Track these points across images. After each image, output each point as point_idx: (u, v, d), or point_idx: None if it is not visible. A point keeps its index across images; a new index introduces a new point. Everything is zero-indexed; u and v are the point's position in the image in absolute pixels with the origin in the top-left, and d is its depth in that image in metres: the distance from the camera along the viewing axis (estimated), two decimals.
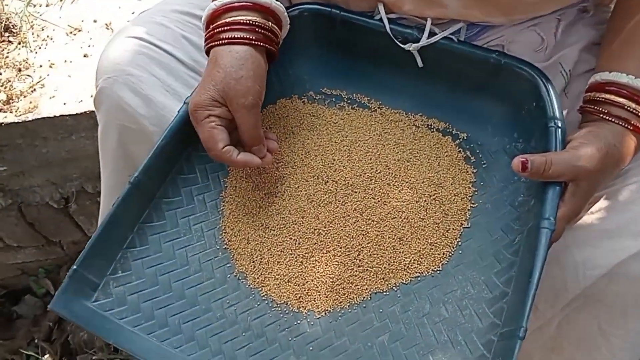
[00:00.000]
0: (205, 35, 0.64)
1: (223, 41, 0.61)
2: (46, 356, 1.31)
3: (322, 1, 0.72)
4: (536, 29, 0.70)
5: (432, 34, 0.68)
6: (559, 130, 0.60)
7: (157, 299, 0.61)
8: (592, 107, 0.62)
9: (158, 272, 0.62)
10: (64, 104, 0.95)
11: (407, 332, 0.58)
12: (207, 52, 0.63)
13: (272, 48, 0.64)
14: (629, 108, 0.60)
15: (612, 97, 0.61)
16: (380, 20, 0.69)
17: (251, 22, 0.61)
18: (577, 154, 0.57)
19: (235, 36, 0.61)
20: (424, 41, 0.68)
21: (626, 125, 0.60)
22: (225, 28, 0.61)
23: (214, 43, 0.62)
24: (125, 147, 0.74)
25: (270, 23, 0.63)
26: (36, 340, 1.31)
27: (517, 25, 0.70)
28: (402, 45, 0.69)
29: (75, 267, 0.58)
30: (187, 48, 0.72)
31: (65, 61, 1.00)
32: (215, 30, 0.62)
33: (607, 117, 0.60)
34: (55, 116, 0.94)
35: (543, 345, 0.72)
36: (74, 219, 1.20)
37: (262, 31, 0.62)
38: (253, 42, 0.61)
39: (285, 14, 0.66)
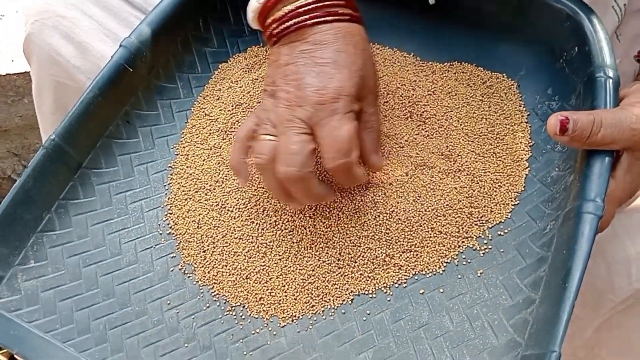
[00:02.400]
0: (278, 20, 0.45)
1: (328, 18, 0.44)
2: None
3: None
4: None
5: None
6: (610, 80, 0.44)
7: (78, 297, 0.47)
8: None
9: (82, 262, 0.49)
10: (12, 60, 0.81)
11: (396, 348, 0.44)
12: (278, 38, 0.46)
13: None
14: None
15: None
16: None
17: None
18: (636, 113, 0.41)
19: (339, 12, 0.45)
20: None
21: None
22: (318, 5, 0.44)
23: (314, 20, 0.44)
24: (62, 108, 0.62)
25: None
26: None
27: None
28: None
29: None
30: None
31: (18, 12, 0.86)
32: (303, 10, 0.44)
33: None
34: (1, 75, 0.80)
35: (572, 354, 0.58)
36: None
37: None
38: (354, 19, 0.46)
39: None
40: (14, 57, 0.82)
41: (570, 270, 0.38)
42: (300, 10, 0.44)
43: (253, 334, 0.46)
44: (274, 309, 0.46)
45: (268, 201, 0.50)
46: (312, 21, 0.44)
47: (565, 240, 0.40)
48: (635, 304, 0.51)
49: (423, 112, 0.52)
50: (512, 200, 0.48)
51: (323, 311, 0.46)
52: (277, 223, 0.49)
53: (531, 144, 0.50)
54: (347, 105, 0.42)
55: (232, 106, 0.54)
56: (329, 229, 0.48)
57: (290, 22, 0.44)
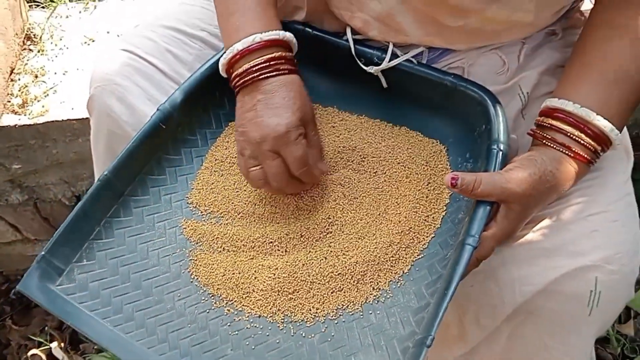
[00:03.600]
0: (242, 70, 0.66)
1: (273, 73, 0.65)
2: (54, 343, 1.39)
3: (300, 20, 0.77)
4: (498, 52, 0.72)
5: (395, 55, 0.72)
6: (500, 153, 0.62)
7: (115, 288, 0.66)
8: (539, 132, 0.64)
9: (119, 263, 0.68)
10: (72, 109, 1.03)
11: (336, 334, 0.61)
12: (243, 83, 0.66)
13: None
14: (571, 135, 0.62)
15: (557, 123, 0.63)
16: (346, 40, 0.74)
17: (282, 57, 0.66)
18: (507, 177, 0.59)
19: (280, 68, 0.66)
20: (385, 64, 0.72)
21: (567, 152, 0.61)
22: (268, 66, 0.65)
23: (264, 75, 0.65)
24: (112, 151, 0.80)
25: (290, 54, 0.69)
26: (46, 328, 1.40)
27: (479, 48, 0.72)
28: (365, 68, 0.73)
29: (43, 253, 0.64)
30: (170, 61, 0.78)
31: (78, 69, 1.09)
32: (257, 66, 0.65)
33: (549, 143, 0.63)
34: (63, 120, 1.02)
35: (495, 359, 0.73)
36: None
37: (291, 61, 0.68)
38: (289, 70, 0.67)
39: (294, 42, 0.70)
40: (74, 105, 1.04)
41: (451, 281, 0.55)
42: (253, 68, 0.65)
43: (236, 320, 0.64)
44: (250, 304, 0.64)
45: (258, 224, 0.68)
46: (263, 76, 0.65)
47: (452, 262, 0.58)
48: (528, 318, 0.66)
49: (371, 163, 0.71)
50: (429, 234, 0.66)
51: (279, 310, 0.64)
52: (261, 243, 0.67)
53: (450, 194, 0.68)
54: (295, 134, 0.63)
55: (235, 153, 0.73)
56: (298, 252, 0.66)
57: (247, 78, 0.65)
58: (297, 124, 0.64)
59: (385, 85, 0.74)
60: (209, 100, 0.75)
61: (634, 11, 0.63)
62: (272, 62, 0.66)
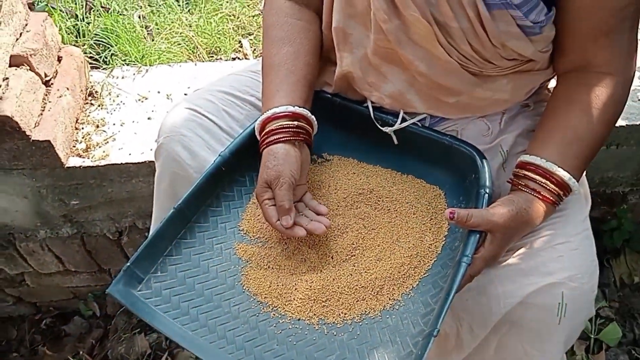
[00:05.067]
0: (260, 140, 0.88)
1: (265, 146, 0.86)
2: None
3: (329, 91, 0.98)
4: (484, 119, 0.93)
5: (404, 119, 0.93)
6: (486, 195, 0.82)
7: (183, 295, 0.83)
8: (516, 180, 0.84)
9: (186, 275, 0.85)
10: (129, 154, 1.22)
11: (360, 332, 0.78)
12: (260, 145, 0.87)
13: (306, 140, 0.88)
14: (540, 182, 0.81)
15: (529, 173, 0.82)
16: (366, 107, 0.94)
17: (288, 129, 0.86)
18: (492, 212, 0.78)
19: (272, 139, 0.85)
20: (396, 126, 0.92)
21: (537, 195, 0.81)
22: (269, 135, 0.86)
23: (263, 147, 0.86)
24: (173, 189, 0.98)
25: (302, 123, 0.87)
26: (80, 353, 1.54)
27: (469, 117, 0.93)
28: (382, 128, 0.93)
29: (128, 264, 0.81)
30: (226, 119, 0.98)
31: (133, 122, 1.29)
32: (264, 137, 0.86)
33: (523, 188, 0.82)
34: (121, 163, 1.21)
35: None
36: (124, 250, 1.45)
37: (299, 133, 0.87)
38: (286, 140, 0.85)
39: (313, 117, 0.89)
40: (131, 151, 1.23)
41: (450, 291, 0.73)
42: (265, 131, 0.86)
43: (280, 322, 0.81)
44: (290, 310, 0.81)
45: (295, 250, 0.87)
46: (266, 144, 0.86)
47: (451, 276, 0.76)
48: (512, 328, 0.84)
49: (385, 202, 0.90)
50: (432, 258, 0.84)
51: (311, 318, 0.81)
52: (299, 263, 0.85)
53: (448, 227, 0.87)
54: (261, 199, 0.83)
55: None
56: (328, 273, 0.84)
57: (261, 142, 0.87)
58: (261, 191, 0.84)
59: (396, 142, 0.94)
60: (255, 150, 0.94)
61: (586, 90, 0.84)
62: (287, 128, 0.86)
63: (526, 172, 0.83)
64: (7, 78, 1.13)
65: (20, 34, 1.20)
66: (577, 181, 0.82)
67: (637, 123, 1.23)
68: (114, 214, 1.36)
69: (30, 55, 1.18)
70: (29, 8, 1.28)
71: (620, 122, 1.23)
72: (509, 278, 0.82)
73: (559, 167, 0.81)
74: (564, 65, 0.88)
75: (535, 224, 0.82)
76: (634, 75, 0.87)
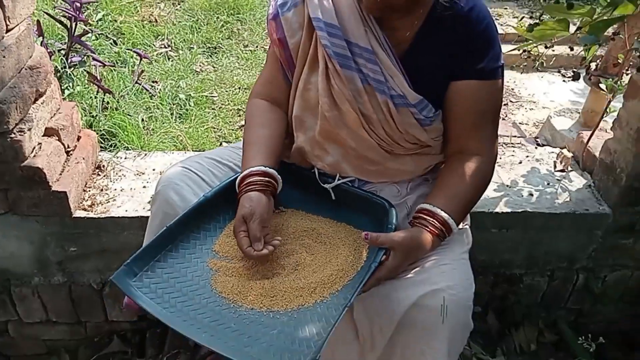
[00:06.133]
0: (239, 186, 1.20)
1: (243, 193, 1.19)
2: None
3: (287, 160, 1.35)
4: (396, 185, 1.31)
5: (339, 180, 1.30)
6: (391, 227, 1.17)
7: (165, 289, 1.11)
8: (413, 220, 1.20)
9: (169, 277, 1.13)
10: (125, 211, 1.53)
11: (297, 316, 1.07)
12: (239, 193, 1.20)
13: (273, 192, 1.22)
14: (428, 220, 1.17)
15: (422, 214, 1.18)
16: (313, 172, 1.31)
17: (261, 182, 1.19)
18: (393, 235, 1.12)
19: (249, 188, 1.19)
20: (333, 184, 1.29)
21: (424, 228, 1.16)
22: (247, 186, 1.19)
23: (241, 194, 1.19)
24: (163, 225, 1.29)
25: (270, 180, 1.20)
26: None
27: (385, 182, 1.31)
28: (323, 185, 1.29)
29: (128, 261, 1.10)
30: (210, 176, 1.32)
31: (131, 189, 1.62)
32: (242, 187, 1.19)
33: (417, 224, 1.17)
34: (117, 216, 1.52)
35: None
36: (103, 301, 1.69)
37: (269, 185, 1.20)
38: (259, 189, 1.18)
39: (279, 177, 1.23)
40: (127, 209, 1.55)
41: (361, 281, 1.04)
42: (243, 183, 1.19)
43: (238, 310, 1.08)
44: (247, 302, 1.10)
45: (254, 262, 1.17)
46: (243, 192, 1.18)
47: (363, 273, 1.07)
48: (410, 331, 1.12)
49: (322, 237, 1.23)
50: (353, 273, 1.15)
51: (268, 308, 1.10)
52: (256, 274, 1.15)
53: (367, 253, 1.19)
54: (237, 230, 1.13)
55: None
56: (275, 283, 1.14)
57: (239, 191, 1.19)
58: (238, 224, 1.14)
59: (333, 197, 1.30)
60: (229, 198, 1.27)
61: (462, 165, 1.23)
62: (259, 181, 1.20)
63: (419, 214, 1.19)
64: (40, 143, 1.47)
65: (54, 113, 1.57)
66: (457, 223, 1.18)
67: (520, 211, 1.62)
68: (102, 265, 1.63)
69: (60, 129, 1.54)
70: (63, 98, 1.67)
71: (506, 209, 1.62)
72: (405, 287, 1.13)
73: (441, 210, 1.17)
74: (449, 150, 1.29)
75: (426, 249, 1.15)
76: (496, 154, 1.28)
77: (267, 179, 1.21)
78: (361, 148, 1.25)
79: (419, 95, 1.19)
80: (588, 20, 1.40)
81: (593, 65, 2.17)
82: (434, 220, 1.17)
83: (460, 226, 1.28)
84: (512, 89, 3.59)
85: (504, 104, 3.42)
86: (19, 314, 1.71)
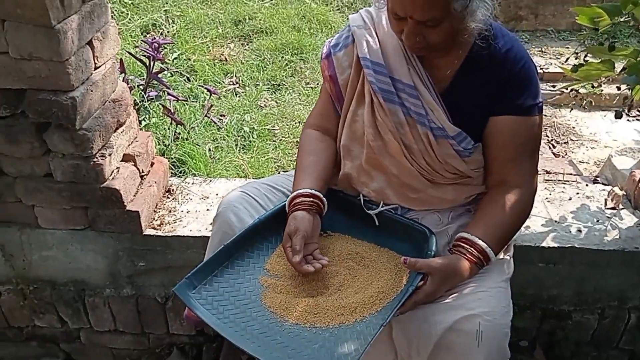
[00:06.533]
0: (288, 207, 1.33)
1: (291, 212, 1.31)
2: None
3: (334, 187, 1.45)
4: (438, 214, 1.38)
5: (383, 207, 1.38)
6: (430, 253, 1.24)
7: (221, 302, 1.23)
8: (452, 247, 1.26)
9: (225, 291, 1.25)
10: (190, 230, 1.68)
11: (337, 333, 1.15)
12: (289, 212, 1.32)
13: (318, 211, 1.33)
14: (467, 248, 1.23)
15: (460, 243, 1.25)
16: (359, 199, 1.41)
17: (307, 202, 1.31)
18: (431, 260, 1.20)
19: (295, 208, 1.31)
20: (377, 210, 1.37)
21: (462, 255, 1.22)
22: (294, 206, 1.31)
23: (292, 210, 1.31)
24: (222, 244, 1.42)
25: (316, 201, 1.32)
26: None
27: (427, 210, 1.38)
28: (367, 211, 1.39)
29: (189, 275, 1.23)
30: (265, 200, 1.45)
31: (196, 211, 1.77)
32: (290, 207, 1.32)
33: (455, 252, 1.24)
34: (183, 235, 1.67)
35: None
36: (166, 314, 1.83)
37: (313, 205, 1.32)
38: (304, 209, 1.30)
39: (324, 198, 1.35)
40: (191, 229, 1.69)
41: (399, 302, 1.12)
42: (292, 203, 1.31)
43: (284, 324, 1.18)
44: (292, 318, 1.19)
45: (302, 282, 1.27)
46: (292, 210, 1.29)
47: (401, 296, 1.15)
48: (447, 352, 1.18)
49: (366, 260, 1.31)
50: (392, 295, 1.22)
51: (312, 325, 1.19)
52: (303, 293, 1.25)
53: (408, 278, 1.26)
54: (286, 245, 1.25)
55: None
56: (319, 302, 1.23)
57: (289, 209, 1.31)
58: (285, 239, 1.26)
59: (377, 223, 1.39)
60: (280, 220, 1.38)
61: (502, 197, 1.29)
62: (299, 200, 1.31)
63: (458, 242, 1.26)
64: (118, 167, 1.65)
65: (132, 141, 1.75)
66: (495, 252, 1.24)
67: (567, 246, 1.64)
68: (166, 280, 1.77)
69: (136, 156, 1.72)
70: (140, 129, 1.86)
71: (553, 244, 1.64)
72: (443, 311, 1.19)
73: (479, 239, 1.23)
74: (490, 182, 1.35)
75: (464, 276, 1.21)
76: (536, 187, 1.33)
77: (312, 199, 1.32)
78: (403, 176, 1.33)
79: (458, 128, 1.27)
80: (632, 61, 1.44)
81: None
82: (472, 249, 1.23)
83: (501, 256, 1.34)
84: (573, 127, 3.56)
85: (564, 142, 3.40)
86: (91, 322, 1.88)
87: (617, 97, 3.23)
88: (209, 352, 1.87)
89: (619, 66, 1.52)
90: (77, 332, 1.93)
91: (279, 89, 3.10)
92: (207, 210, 1.78)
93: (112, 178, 1.61)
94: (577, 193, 1.88)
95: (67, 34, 1.37)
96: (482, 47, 1.24)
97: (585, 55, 1.53)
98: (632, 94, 1.42)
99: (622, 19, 1.43)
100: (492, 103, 1.27)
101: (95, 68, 1.53)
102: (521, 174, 1.31)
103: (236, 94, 2.99)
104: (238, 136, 2.55)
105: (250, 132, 2.58)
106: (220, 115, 2.68)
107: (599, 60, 1.52)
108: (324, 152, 1.44)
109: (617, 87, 1.56)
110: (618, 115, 1.46)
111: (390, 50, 1.32)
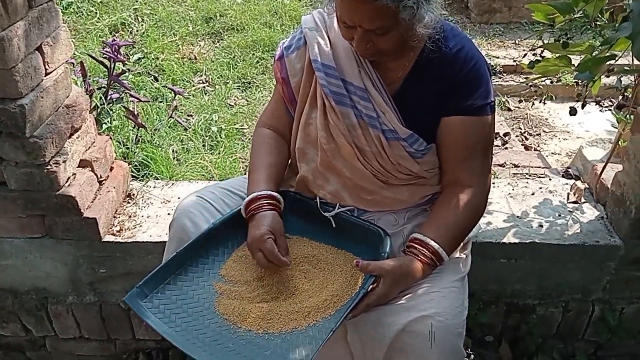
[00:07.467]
0: (249, 207, 1.31)
1: (252, 213, 1.29)
2: None
3: (292, 190, 1.44)
4: (394, 214, 1.37)
5: (339, 209, 1.37)
6: (384, 255, 1.23)
7: (173, 310, 1.21)
8: (406, 248, 1.26)
9: (177, 299, 1.24)
10: (150, 236, 1.66)
11: (290, 339, 1.14)
12: (249, 214, 1.31)
13: (277, 211, 1.32)
14: (419, 249, 1.23)
15: (413, 244, 1.24)
16: (315, 201, 1.40)
17: (271, 204, 1.30)
18: (383, 263, 1.19)
19: (257, 209, 1.29)
20: (334, 212, 1.36)
21: (415, 256, 1.22)
22: (255, 207, 1.30)
23: (256, 213, 1.29)
24: (177, 248, 1.40)
25: (273, 201, 1.32)
26: None
27: (382, 211, 1.37)
28: (324, 213, 1.37)
29: (140, 283, 1.21)
30: (221, 204, 1.43)
31: (157, 216, 1.75)
32: (251, 209, 1.30)
33: (408, 253, 1.23)
34: (142, 241, 1.65)
35: None
36: (130, 320, 1.81)
37: (275, 207, 1.31)
38: (266, 209, 1.29)
39: (280, 197, 1.34)
40: (151, 234, 1.67)
41: (350, 305, 1.11)
42: (252, 205, 1.29)
43: (237, 331, 1.17)
44: (245, 325, 1.18)
45: (257, 286, 1.26)
46: (255, 212, 1.28)
47: (353, 298, 1.14)
48: (400, 354, 1.18)
49: (322, 263, 1.30)
50: (346, 298, 1.22)
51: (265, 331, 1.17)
52: (257, 298, 1.24)
53: (363, 281, 1.26)
54: (266, 237, 1.23)
55: None
56: (273, 306, 1.22)
57: (250, 212, 1.29)
58: (267, 232, 1.25)
59: (334, 225, 1.37)
60: (236, 224, 1.37)
61: (455, 196, 1.28)
62: (260, 203, 1.30)
63: (411, 243, 1.25)
64: (75, 173, 1.63)
65: (89, 147, 1.72)
66: (448, 252, 1.24)
67: (527, 241, 1.64)
68: (128, 286, 1.74)
69: (93, 161, 1.69)
70: (98, 133, 1.83)
71: (514, 240, 1.65)
72: (395, 313, 1.19)
73: (432, 240, 1.23)
74: (443, 182, 1.35)
75: (416, 277, 1.21)
76: (489, 187, 1.33)
77: (271, 200, 1.32)
78: (357, 178, 1.32)
79: (409, 130, 1.26)
80: (588, 57, 1.44)
81: None
82: (425, 250, 1.23)
83: (456, 255, 1.34)
84: (546, 119, 3.57)
85: (537, 134, 3.41)
86: (55, 330, 1.86)
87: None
88: (174, 356, 1.85)
89: (578, 60, 1.52)
90: (43, 340, 1.90)
91: (250, 87, 3.08)
92: (168, 214, 1.76)
93: (68, 185, 1.58)
94: (540, 188, 1.89)
95: (13, 40, 1.33)
96: (432, 50, 1.23)
97: (542, 52, 1.53)
98: (586, 89, 1.42)
99: (575, 16, 1.42)
100: (443, 104, 1.26)
101: (46, 74, 1.50)
102: (473, 173, 1.31)
103: (205, 93, 2.97)
104: (206, 136, 2.52)
105: (218, 131, 2.56)
106: (188, 116, 2.66)
107: (556, 56, 1.52)
108: (279, 153, 1.43)
109: (575, 82, 1.56)
110: (573, 112, 1.46)
111: (341, 53, 1.31)
